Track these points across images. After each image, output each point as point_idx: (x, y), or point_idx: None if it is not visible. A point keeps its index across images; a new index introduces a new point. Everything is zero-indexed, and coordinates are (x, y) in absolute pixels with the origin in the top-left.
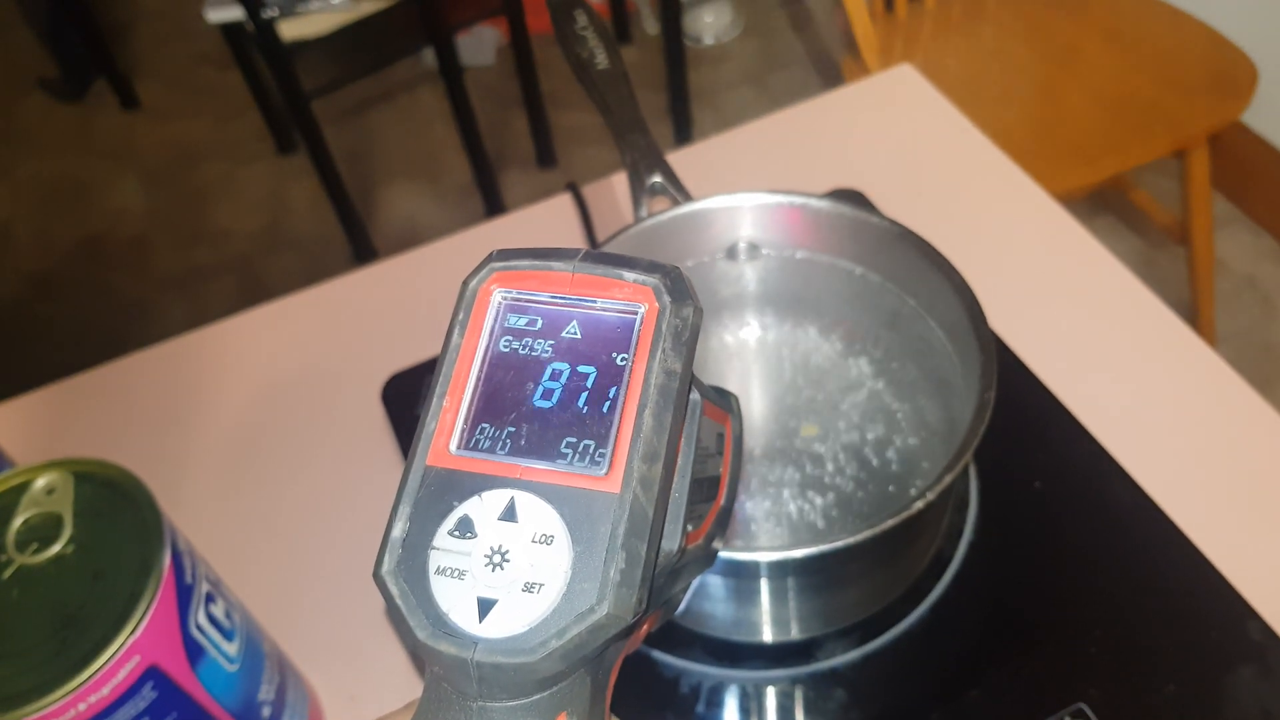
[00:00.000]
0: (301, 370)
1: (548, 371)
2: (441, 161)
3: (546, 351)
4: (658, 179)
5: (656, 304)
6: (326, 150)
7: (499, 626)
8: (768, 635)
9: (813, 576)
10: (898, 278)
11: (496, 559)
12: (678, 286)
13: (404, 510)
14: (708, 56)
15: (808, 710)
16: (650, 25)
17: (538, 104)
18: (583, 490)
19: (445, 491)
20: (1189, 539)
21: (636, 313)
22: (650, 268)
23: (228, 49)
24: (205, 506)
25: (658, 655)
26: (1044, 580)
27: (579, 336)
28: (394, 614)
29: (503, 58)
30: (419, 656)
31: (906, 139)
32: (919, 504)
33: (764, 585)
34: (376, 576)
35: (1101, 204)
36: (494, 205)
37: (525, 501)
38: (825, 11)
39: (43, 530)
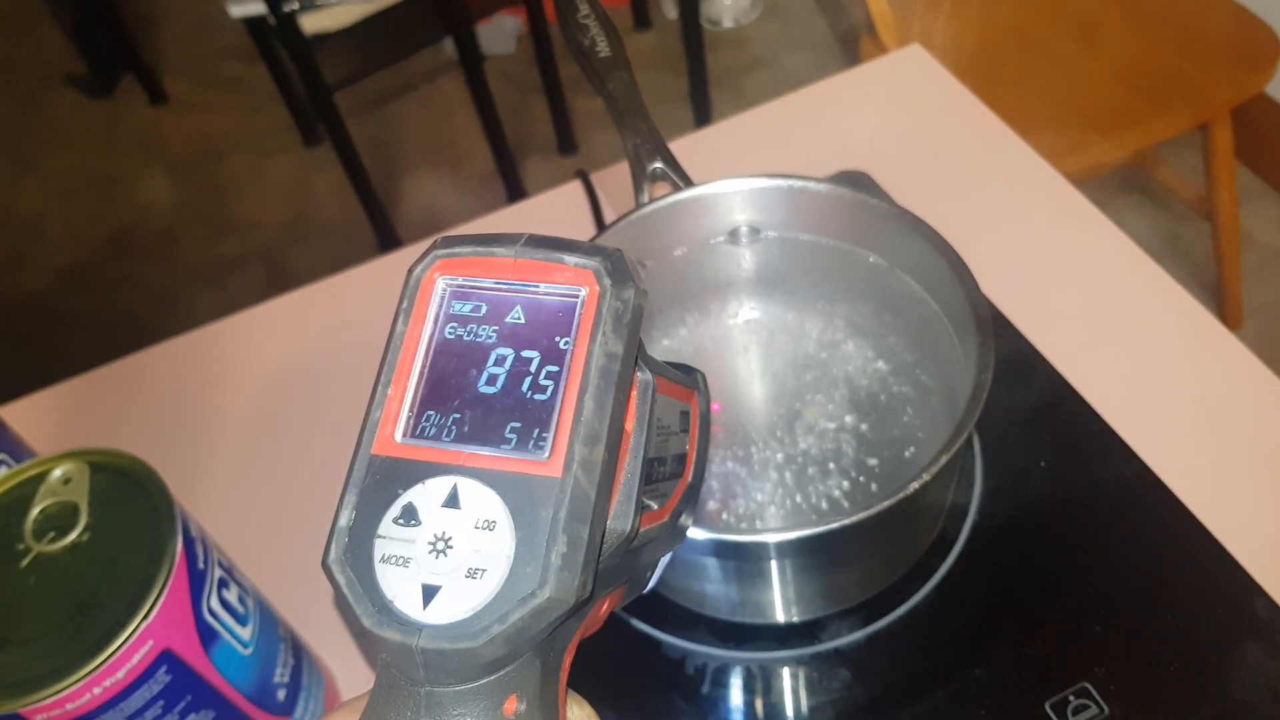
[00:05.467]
0: (322, 359)
1: (492, 357)
2: (463, 149)
3: (490, 337)
4: (658, 165)
5: (597, 287)
6: (350, 141)
7: (442, 612)
8: (772, 616)
9: (814, 557)
10: (897, 259)
11: (440, 546)
12: (618, 269)
13: (350, 499)
14: (727, 40)
15: (812, 690)
16: (669, 9)
17: (558, 91)
18: (525, 475)
19: (390, 480)
20: (1195, 516)
21: (578, 296)
22: (591, 251)
23: (252, 42)
24: (225, 493)
25: (663, 637)
26: (1049, 559)
27: (522, 321)
28: (341, 602)
29: (523, 45)
30: (368, 644)
31: (916, 119)
32: (914, 485)
33: (766, 567)
34: (324, 566)
35: (1127, 181)
36: (515, 192)
37: (468, 488)
38: None
39: (59, 519)
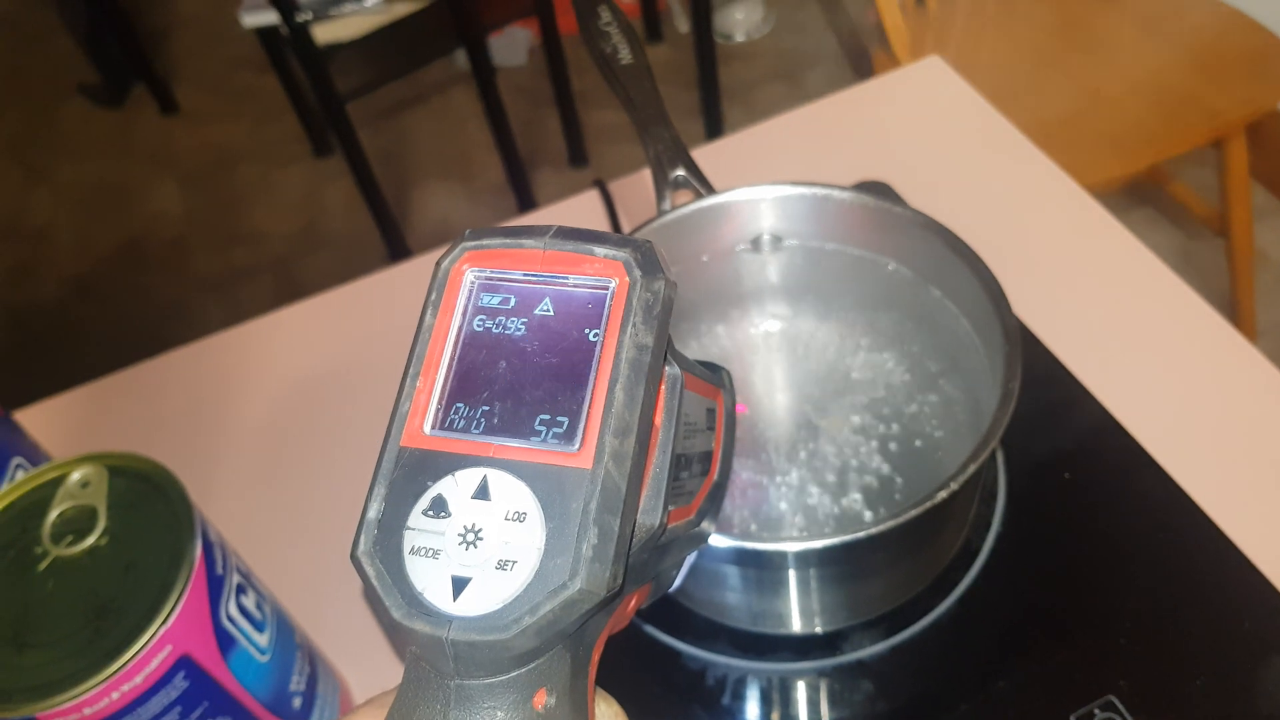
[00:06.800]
0: (334, 367)
1: (521, 349)
2: (474, 161)
3: (519, 330)
4: (681, 172)
5: (627, 278)
6: (361, 152)
7: (473, 604)
8: (794, 627)
9: (837, 567)
10: (922, 268)
11: (470, 538)
12: (648, 260)
13: (379, 491)
14: (739, 53)
15: (834, 702)
16: (681, 23)
17: (569, 103)
18: (555, 467)
19: (419, 472)
20: (1220, 529)
21: (607, 288)
22: (621, 242)
23: (264, 53)
24: (239, 500)
25: (683, 647)
26: (1073, 571)
27: (551, 313)
28: (370, 595)
29: (534, 58)
30: (397, 637)
31: (936, 131)
32: (942, 494)
33: (789, 577)
34: (353, 558)
35: (1140, 197)
36: (526, 204)
37: (498, 480)
38: (857, 6)
39: (78, 523)
